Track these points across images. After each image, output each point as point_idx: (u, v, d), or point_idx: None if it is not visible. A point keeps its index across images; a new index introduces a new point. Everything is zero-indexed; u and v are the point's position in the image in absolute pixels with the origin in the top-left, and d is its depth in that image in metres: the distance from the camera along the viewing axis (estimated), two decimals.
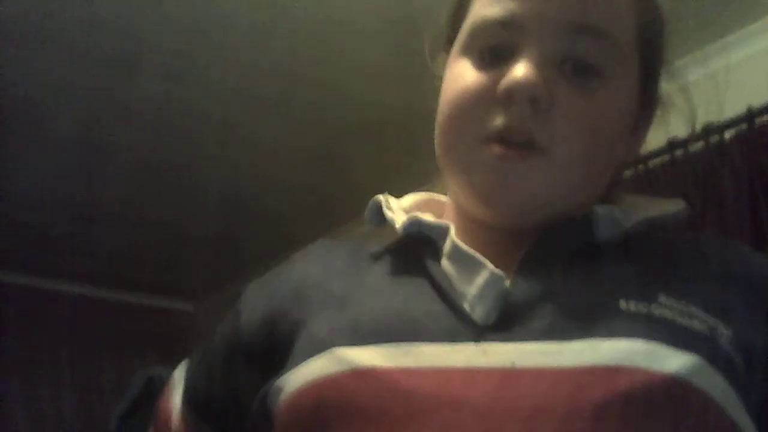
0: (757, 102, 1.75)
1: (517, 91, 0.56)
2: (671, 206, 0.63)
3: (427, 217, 0.66)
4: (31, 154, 2.85)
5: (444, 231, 0.62)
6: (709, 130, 1.83)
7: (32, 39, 2.10)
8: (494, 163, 0.58)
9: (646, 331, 0.52)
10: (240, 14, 1.96)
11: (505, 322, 0.55)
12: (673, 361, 0.51)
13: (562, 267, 0.58)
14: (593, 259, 0.59)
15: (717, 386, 0.51)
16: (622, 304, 0.54)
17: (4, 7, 1.95)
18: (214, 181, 3.07)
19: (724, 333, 0.54)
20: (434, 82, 0.67)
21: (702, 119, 1.84)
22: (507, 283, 0.57)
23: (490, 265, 0.57)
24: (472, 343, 0.54)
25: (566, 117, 0.57)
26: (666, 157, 1.91)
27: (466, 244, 0.60)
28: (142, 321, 4.70)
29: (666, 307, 0.54)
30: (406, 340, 0.54)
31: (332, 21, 1.96)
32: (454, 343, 0.54)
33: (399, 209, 0.72)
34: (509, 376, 0.51)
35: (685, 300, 0.55)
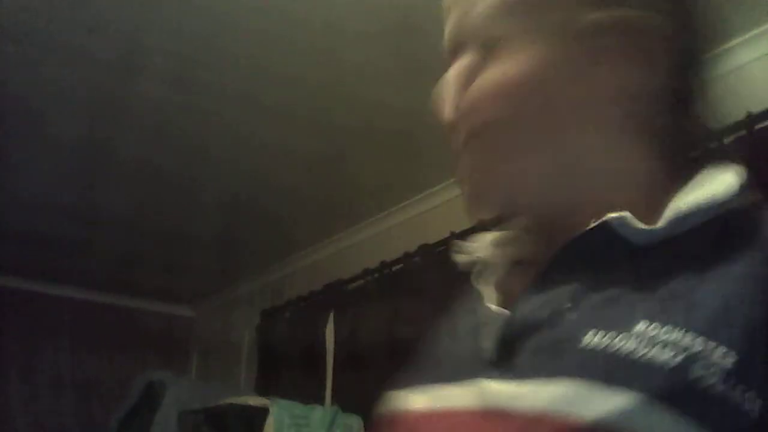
0: (756, 108, 1.75)
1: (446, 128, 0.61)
2: (716, 187, 0.51)
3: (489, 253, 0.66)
4: (31, 158, 2.85)
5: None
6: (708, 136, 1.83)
7: (34, 43, 2.10)
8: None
9: (586, 369, 0.46)
10: (240, 18, 1.96)
11: (501, 359, 0.53)
12: (600, 403, 0.44)
13: (563, 292, 0.53)
14: (605, 276, 0.52)
15: (662, 428, 0.43)
16: (587, 337, 0.47)
17: (5, 10, 1.95)
18: (215, 185, 3.08)
19: (716, 359, 0.43)
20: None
21: None
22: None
23: (486, 301, 0.58)
24: (471, 383, 0.54)
25: (469, 98, 0.59)
26: None
27: (535, 264, 0.59)
28: (143, 325, 4.71)
29: (636, 336, 0.46)
30: (438, 382, 0.57)
31: (332, 24, 1.97)
32: (463, 383, 0.54)
33: (488, 245, 0.68)
34: (482, 417, 0.51)
35: (672, 323, 0.46)
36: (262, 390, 3.43)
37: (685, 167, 0.55)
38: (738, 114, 1.78)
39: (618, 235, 0.51)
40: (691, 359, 0.44)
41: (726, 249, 0.48)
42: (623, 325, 0.47)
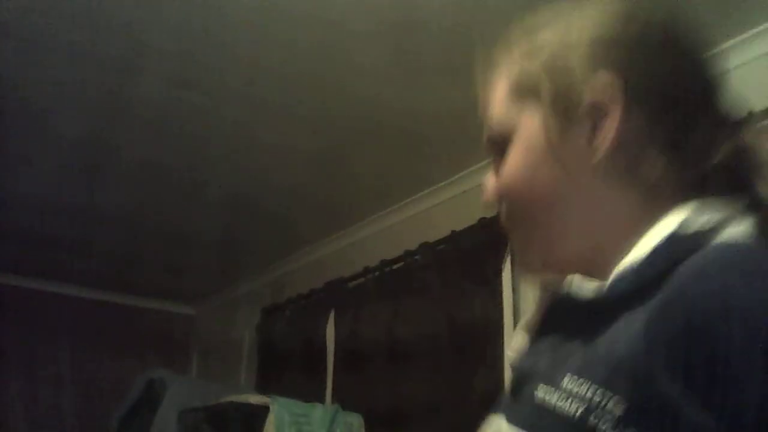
0: (756, 107, 1.75)
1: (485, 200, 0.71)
2: (635, 255, 0.57)
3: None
4: (33, 156, 2.85)
5: None
6: None
7: (35, 42, 2.10)
8: None
9: (530, 423, 0.57)
10: (241, 16, 1.96)
11: (513, 401, 0.65)
12: None
13: (549, 341, 0.63)
14: (569, 331, 0.61)
15: None
16: (540, 390, 0.57)
17: (6, 9, 1.96)
18: (216, 184, 3.08)
19: (610, 408, 0.50)
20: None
21: None
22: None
23: (511, 347, 0.69)
24: (496, 416, 0.65)
25: (494, 191, 0.69)
26: None
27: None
28: (143, 324, 4.71)
29: (561, 390, 0.54)
30: (494, 410, 0.67)
31: (333, 23, 1.97)
32: (495, 414, 0.65)
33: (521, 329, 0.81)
34: None
35: (585, 376, 0.53)
36: (263, 388, 3.44)
37: (671, 199, 0.60)
38: (738, 113, 1.78)
39: (577, 297, 0.59)
40: (589, 411, 0.51)
41: (642, 300, 0.53)
42: (557, 380, 0.56)
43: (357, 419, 2.75)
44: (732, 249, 0.51)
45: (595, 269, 0.61)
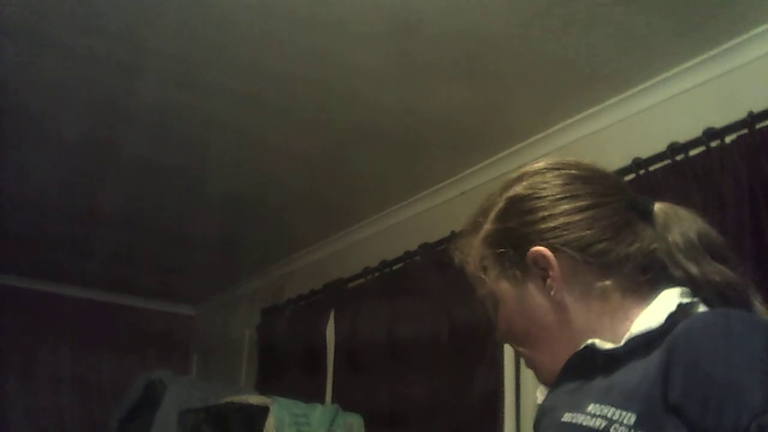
0: (757, 107, 1.76)
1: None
2: (649, 321, 0.81)
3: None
4: (32, 157, 2.85)
5: None
6: (709, 135, 1.83)
7: (34, 43, 2.10)
8: None
9: None
10: (241, 18, 1.96)
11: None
12: None
13: (566, 388, 0.85)
14: (585, 375, 0.83)
15: None
16: (566, 416, 0.79)
17: (5, 9, 1.96)
18: (216, 185, 3.08)
19: (625, 421, 0.72)
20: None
21: (703, 123, 1.84)
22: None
23: (538, 398, 0.93)
24: None
25: (499, 334, 1.00)
26: (667, 162, 1.92)
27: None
28: (143, 324, 4.71)
29: (587, 413, 0.76)
30: None
31: (332, 24, 1.97)
32: None
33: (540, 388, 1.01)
34: None
35: (606, 403, 0.75)
36: (263, 388, 3.44)
37: (647, 287, 0.86)
38: (739, 113, 1.78)
39: (596, 350, 0.83)
40: (611, 424, 0.73)
41: (648, 351, 0.77)
42: (582, 407, 0.78)
43: (357, 419, 2.75)
44: (705, 317, 0.78)
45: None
